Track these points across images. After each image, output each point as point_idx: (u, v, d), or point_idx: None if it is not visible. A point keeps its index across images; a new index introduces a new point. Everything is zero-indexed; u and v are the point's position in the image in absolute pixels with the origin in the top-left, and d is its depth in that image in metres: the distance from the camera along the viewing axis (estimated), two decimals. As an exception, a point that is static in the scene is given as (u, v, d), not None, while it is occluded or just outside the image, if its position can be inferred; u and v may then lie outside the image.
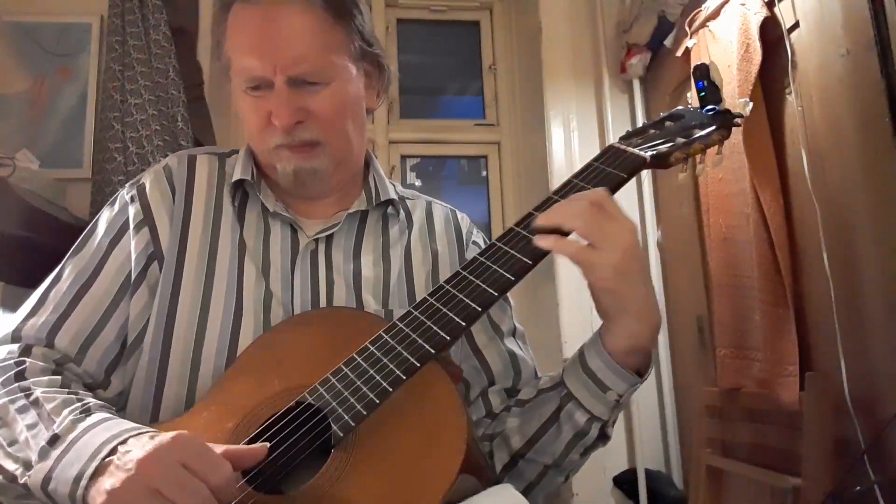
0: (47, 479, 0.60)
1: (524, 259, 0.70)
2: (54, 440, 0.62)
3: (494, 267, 0.71)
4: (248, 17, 0.80)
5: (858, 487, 1.13)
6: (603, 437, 0.77)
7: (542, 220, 0.72)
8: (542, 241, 0.70)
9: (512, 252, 0.72)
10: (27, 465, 0.63)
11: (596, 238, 0.68)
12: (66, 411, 0.65)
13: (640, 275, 0.70)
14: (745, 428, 1.51)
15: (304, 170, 0.84)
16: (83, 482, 0.58)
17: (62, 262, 0.83)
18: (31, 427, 0.65)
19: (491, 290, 0.69)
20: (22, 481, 0.62)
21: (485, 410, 0.86)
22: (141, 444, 0.58)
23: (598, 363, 0.73)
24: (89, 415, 0.66)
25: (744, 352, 1.48)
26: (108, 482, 0.56)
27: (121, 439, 0.60)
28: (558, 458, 0.77)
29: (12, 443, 0.65)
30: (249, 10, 0.80)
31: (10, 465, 0.64)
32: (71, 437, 0.62)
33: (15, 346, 0.76)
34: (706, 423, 1.64)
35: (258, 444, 0.62)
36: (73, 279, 0.81)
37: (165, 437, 0.58)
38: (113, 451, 0.59)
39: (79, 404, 0.67)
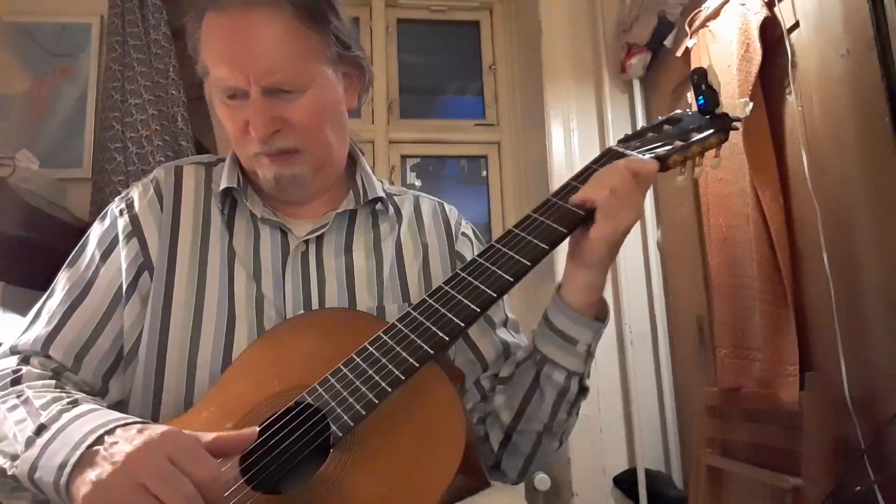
0: (33, 468, 0.60)
1: (523, 260, 0.71)
2: (40, 430, 0.63)
3: (493, 268, 0.71)
4: (220, 26, 0.79)
5: (858, 487, 1.13)
6: (583, 391, 0.81)
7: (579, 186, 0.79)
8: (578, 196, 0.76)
9: (511, 253, 0.72)
10: (14, 458, 0.63)
11: (626, 196, 0.73)
12: (54, 405, 0.66)
13: None
14: (745, 428, 1.51)
15: (284, 177, 0.84)
16: (67, 469, 0.57)
17: (56, 277, 0.84)
18: (19, 422, 0.65)
19: (490, 292, 0.69)
20: (10, 473, 0.62)
21: (479, 396, 0.87)
22: (129, 437, 0.57)
23: (562, 319, 0.77)
24: (76, 406, 0.66)
25: (744, 352, 1.48)
26: (94, 472, 0.55)
27: (107, 429, 0.60)
28: (548, 421, 0.80)
29: (2, 439, 0.66)
30: (221, 18, 0.79)
31: (0, 460, 0.64)
32: (56, 425, 0.62)
33: (14, 358, 0.77)
34: (706, 423, 1.64)
35: (247, 429, 0.61)
36: (67, 293, 0.81)
37: (155, 431, 0.57)
38: (99, 441, 0.58)
39: (67, 398, 0.68)
